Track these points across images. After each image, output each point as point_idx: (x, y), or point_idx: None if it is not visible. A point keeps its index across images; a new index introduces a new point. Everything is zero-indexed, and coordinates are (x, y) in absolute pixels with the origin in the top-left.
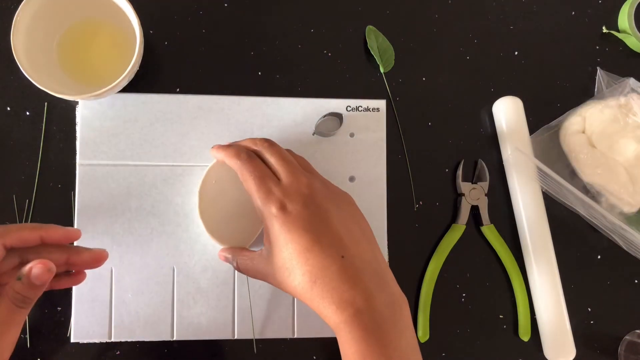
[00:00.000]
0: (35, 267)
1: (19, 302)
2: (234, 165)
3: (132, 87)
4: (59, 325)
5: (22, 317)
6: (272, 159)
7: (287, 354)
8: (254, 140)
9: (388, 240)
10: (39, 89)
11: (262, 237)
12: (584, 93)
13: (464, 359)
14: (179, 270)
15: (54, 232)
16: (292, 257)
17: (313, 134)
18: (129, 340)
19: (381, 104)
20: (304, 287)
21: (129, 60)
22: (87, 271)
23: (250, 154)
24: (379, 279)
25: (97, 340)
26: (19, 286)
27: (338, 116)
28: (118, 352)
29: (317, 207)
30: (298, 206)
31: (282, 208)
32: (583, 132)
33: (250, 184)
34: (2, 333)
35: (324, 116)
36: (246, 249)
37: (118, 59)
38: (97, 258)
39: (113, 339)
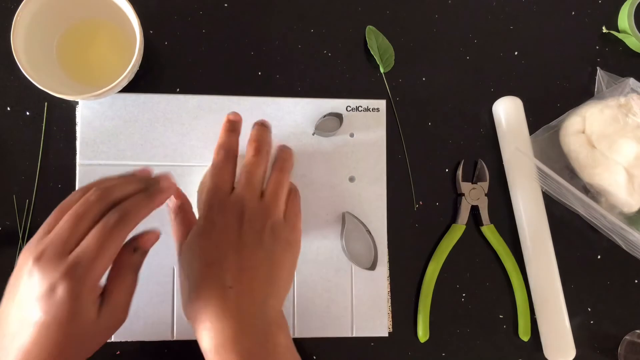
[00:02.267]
0: (149, 238)
1: (136, 270)
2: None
3: (132, 87)
4: None
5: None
6: (249, 163)
7: None
8: (258, 142)
9: (388, 240)
10: (39, 89)
11: None
12: (584, 93)
13: (464, 359)
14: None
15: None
16: (192, 265)
17: (313, 134)
18: (129, 340)
19: (381, 104)
20: (187, 301)
21: (129, 60)
22: None
23: (229, 156)
24: (257, 308)
25: None
26: (137, 258)
27: (338, 116)
28: (118, 352)
29: (242, 229)
30: (225, 220)
31: (209, 216)
32: (583, 132)
33: (205, 183)
34: (131, 295)
35: (324, 116)
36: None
37: (118, 59)
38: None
39: (113, 339)
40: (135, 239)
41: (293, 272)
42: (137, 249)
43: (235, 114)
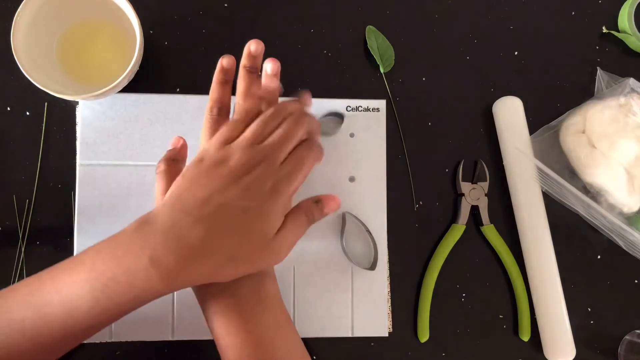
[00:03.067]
0: (332, 203)
1: (309, 219)
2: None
3: (132, 87)
4: None
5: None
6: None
7: None
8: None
9: (388, 241)
10: (39, 89)
11: None
12: (584, 93)
13: (464, 359)
14: None
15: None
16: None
17: None
18: (129, 340)
19: (381, 104)
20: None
21: (129, 60)
22: None
23: (222, 114)
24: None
25: (97, 341)
26: (315, 209)
27: (338, 116)
28: (118, 352)
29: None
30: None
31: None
32: (583, 132)
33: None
34: (296, 241)
35: (324, 116)
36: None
37: (118, 59)
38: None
39: (113, 339)
40: (320, 197)
41: None
42: (318, 202)
43: (229, 58)
